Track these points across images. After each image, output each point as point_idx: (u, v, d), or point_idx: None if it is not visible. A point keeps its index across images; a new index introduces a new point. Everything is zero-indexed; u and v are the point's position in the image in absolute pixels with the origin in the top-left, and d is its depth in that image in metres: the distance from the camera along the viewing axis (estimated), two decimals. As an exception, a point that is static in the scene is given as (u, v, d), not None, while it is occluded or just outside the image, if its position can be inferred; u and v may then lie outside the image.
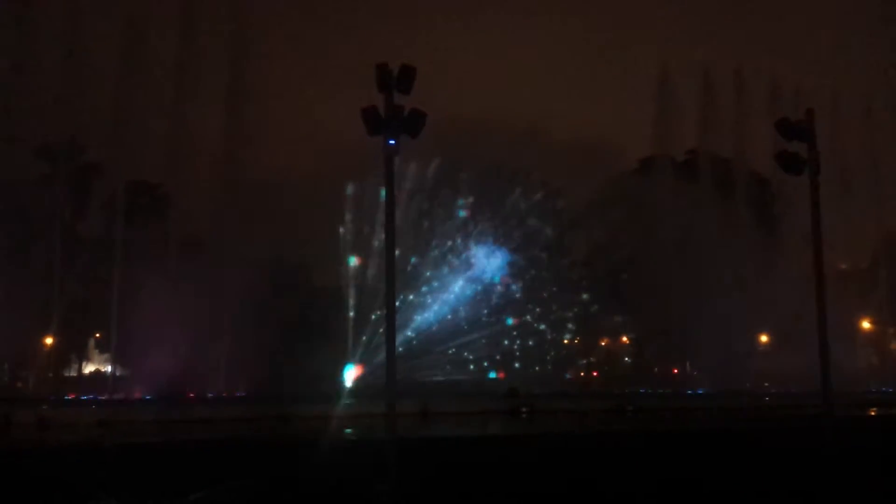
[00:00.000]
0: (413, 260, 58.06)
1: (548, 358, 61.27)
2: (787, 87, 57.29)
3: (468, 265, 60.49)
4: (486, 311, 60.19)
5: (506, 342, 59.87)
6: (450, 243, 60.01)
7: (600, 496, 16.07)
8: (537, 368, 59.13)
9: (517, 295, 61.33)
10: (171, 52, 49.95)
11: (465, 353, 58.65)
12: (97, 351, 57.28)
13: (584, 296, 60.83)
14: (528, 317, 61.02)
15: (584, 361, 64.89)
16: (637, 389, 56.06)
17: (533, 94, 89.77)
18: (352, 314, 56.66)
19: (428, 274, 58.86)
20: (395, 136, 17.55)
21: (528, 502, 15.52)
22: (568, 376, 62.54)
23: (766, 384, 54.72)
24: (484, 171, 60.17)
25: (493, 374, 59.04)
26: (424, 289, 59.00)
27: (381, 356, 48.87)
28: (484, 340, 59.26)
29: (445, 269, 59.75)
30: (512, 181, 61.07)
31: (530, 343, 60.70)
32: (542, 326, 61.40)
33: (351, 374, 54.09)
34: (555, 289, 61.03)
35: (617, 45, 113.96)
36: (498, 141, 58.05)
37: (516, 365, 58.82)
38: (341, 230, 58.58)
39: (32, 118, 46.81)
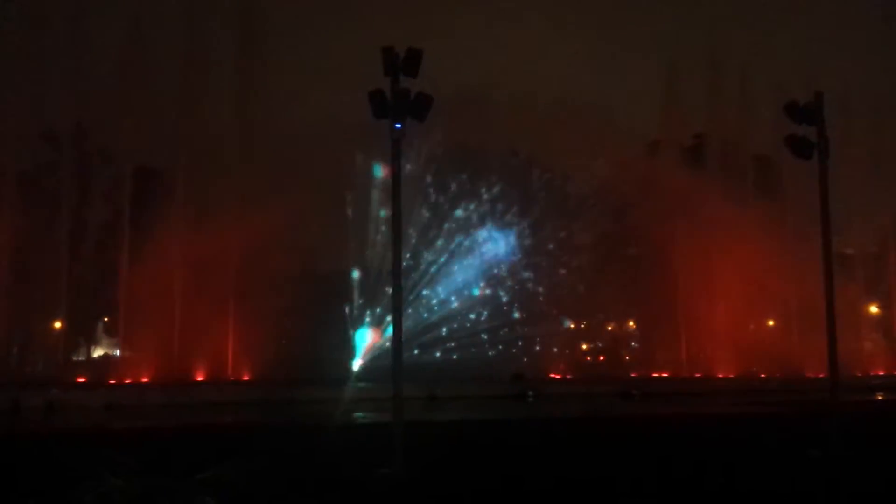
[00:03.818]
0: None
1: (554, 341, 60.89)
2: (794, 71, 56.81)
3: (476, 249, 59.97)
4: (489, 309, 59.76)
5: (514, 315, 59.51)
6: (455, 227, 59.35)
7: (607, 481, 16.09)
8: (541, 350, 58.67)
9: (526, 280, 60.95)
10: (178, 35, 49.84)
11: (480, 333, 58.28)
12: (105, 335, 57.45)
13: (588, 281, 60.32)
14: (538, 295, 60.55)
15: (591, 345, 64.69)
16: (643, 374, 56.00)
17: (536, 77, 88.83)
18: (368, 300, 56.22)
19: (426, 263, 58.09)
20: (402, 120, 17.52)
21: (532, 487, 15.54)
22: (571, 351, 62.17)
23: (773, 368, 54.65)
24: (488, 151, 59.45)
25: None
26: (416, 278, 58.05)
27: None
28: (484, 318, 58.94)
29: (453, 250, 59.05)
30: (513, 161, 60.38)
31: (537, 325, 60.36)
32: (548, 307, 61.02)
33: (367, 338, 54.13)
34: (563, 271, 60.63)
35: (623, 27, 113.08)
36: (503, 125, 57.44)
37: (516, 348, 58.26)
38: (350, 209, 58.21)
39: (37, 103, 46.74)
